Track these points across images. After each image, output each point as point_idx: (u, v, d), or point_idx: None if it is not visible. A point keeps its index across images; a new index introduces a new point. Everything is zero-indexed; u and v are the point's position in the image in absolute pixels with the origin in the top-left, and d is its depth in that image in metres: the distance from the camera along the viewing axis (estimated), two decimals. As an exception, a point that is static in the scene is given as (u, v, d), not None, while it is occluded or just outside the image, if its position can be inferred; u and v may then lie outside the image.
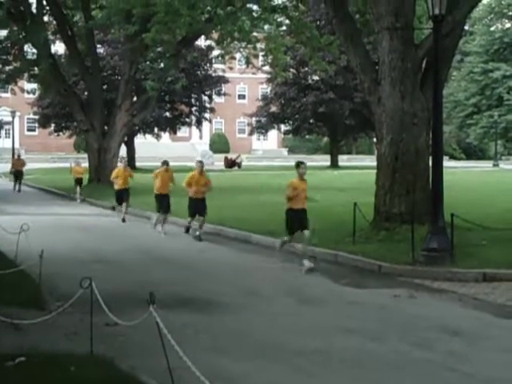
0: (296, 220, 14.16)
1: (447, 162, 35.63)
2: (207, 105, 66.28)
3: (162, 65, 39.36)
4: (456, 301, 11.39)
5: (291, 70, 61.17)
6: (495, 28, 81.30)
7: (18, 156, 41.72)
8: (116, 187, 23.30)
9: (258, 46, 33.71)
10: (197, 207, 18.94)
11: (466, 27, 61.79)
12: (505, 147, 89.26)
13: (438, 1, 13.87)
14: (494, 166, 70.89)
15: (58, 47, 43.93)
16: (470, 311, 10.72)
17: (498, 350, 8.59)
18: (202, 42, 54.68)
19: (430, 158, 15.24)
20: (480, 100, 77.45)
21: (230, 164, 63.18)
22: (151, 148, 76.46)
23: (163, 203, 20.09)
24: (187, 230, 19.56)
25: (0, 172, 51.20)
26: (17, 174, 37.82)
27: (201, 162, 19.73)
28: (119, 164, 23.75)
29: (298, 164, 14.49)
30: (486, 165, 72.65)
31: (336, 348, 8.56)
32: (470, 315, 10.46)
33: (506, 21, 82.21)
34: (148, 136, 67.63)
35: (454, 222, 13.89)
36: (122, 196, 23.20)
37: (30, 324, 8.36)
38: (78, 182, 31.79)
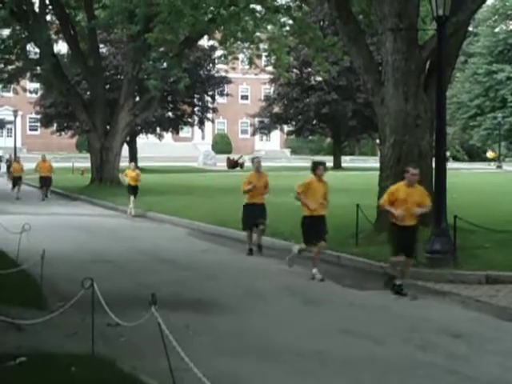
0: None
1: (450, 164, 35.55)
2: (210, 105, 66.38)
3: (164, 65, 39.37)
4: (459, 303, 11.36)
5: (294, 70, 61.24)
6: (499, 29, 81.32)
7: (43, 157, 34.57)
8: (245, 200, 16.28)
9: (261, 46, 33.79)
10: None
11: (470, 28, 61.69)
12: (508, 149, 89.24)
13: (442, 2, 13.83)
14: (498, 167, 70.91)
15: (61, 47, 44.01)
16: (472, 313, 10.68)
17: (500, 352, 8.55)
18: (204, 42, 54.71)
19: (433, 160, 15.20)
20: (484, 101, 77.51)
21: (233, 164, 63.18)
22: (153, 148, 76.54)
23: (321, 228, 13.41)
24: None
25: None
26: (43, 181, 32.79)
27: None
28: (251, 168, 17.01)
29: None
30: (489, 166, 72.63)
31: (338, 350, 8.53)
32: (472, 317, 10.42)
33: (511, 22, 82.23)
34: (150, 136, 67.68)
35: (457, 224, 13.86)
36: (253, 215, 15.94)
37: (31, 324, 8.33)
38: (133, 190, 25.42)
